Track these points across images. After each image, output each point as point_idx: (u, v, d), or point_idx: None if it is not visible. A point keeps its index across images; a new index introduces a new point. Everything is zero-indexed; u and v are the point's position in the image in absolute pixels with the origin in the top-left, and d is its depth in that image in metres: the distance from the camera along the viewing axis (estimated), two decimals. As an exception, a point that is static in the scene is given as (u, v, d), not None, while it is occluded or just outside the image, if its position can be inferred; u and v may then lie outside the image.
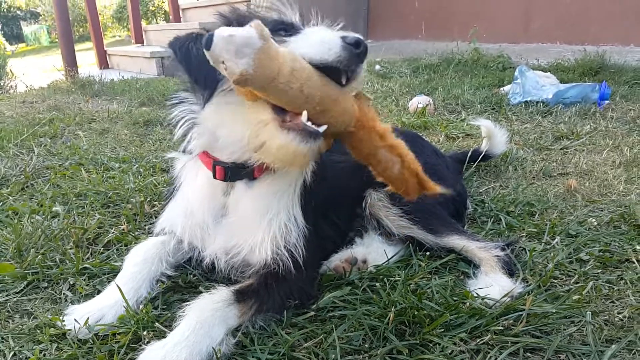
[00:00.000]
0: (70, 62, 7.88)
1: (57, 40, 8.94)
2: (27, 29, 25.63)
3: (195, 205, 1.80)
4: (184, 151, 1.82)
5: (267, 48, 1.27)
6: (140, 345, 1.54)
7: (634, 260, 1.96)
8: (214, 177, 1.70)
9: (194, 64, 1.54)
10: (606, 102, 4.41)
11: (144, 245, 1.91)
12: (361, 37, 1.38)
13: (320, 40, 1.38)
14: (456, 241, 2.03)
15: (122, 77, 7.09)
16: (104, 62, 10.28)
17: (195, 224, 1.80)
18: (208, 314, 1.50)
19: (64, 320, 1.61)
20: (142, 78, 7.10)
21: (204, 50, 1.27)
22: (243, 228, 1.72)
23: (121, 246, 2.17)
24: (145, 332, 1.58)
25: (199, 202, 1.79)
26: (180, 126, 1.74)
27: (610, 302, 1.72)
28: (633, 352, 1.48)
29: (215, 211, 1.77)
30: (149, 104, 5.36)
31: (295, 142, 1.33)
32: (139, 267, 1.81)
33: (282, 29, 1.55)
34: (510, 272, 1.87)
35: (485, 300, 1.68)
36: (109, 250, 2.16)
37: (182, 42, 1.59)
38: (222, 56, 1.25)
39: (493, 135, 3.00)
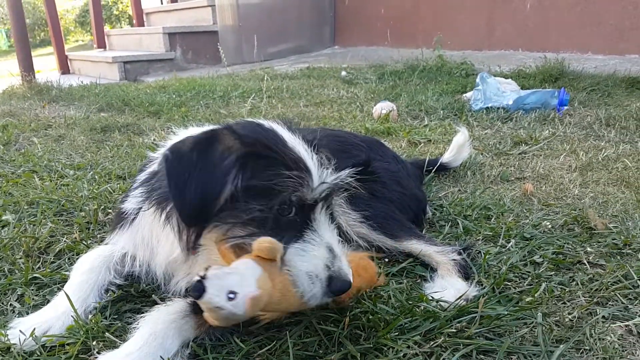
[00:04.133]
0: (27, 67, 7.63)
1: (16, 44, 8.65)
2: (-16, 32, 24.81)
3: (158, 250, 1.71)
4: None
5: (251, 311, 1.34)
6: (90, 356, 1.50)
7: (585, 262, 2.01)
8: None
9: (186, 205, 1.38)
10: (565, 107, 4.53)
11: (91, 254, 1.86)
12: (349, 279, 1.46)
13: (309, 276, 1.43)
14: (415, 245, 2.05)
15: (82, 82, 6.92)
16: (65, 67, 10.05)
17: (155, 261, 1.74)
18: (162, 326, 1.46)
19: (7, 335, 1.55)
20: (102, 83, 6.95)
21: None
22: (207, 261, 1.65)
23: (73, 255, 2.10)
24: (95, 342, 1.54)
25: (163, 253, 1.68)
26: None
27: (561, 303, 1.75)
28: (581, 351, 1.52)
29: (179, 259, 1.67)
30: (107, 110, 5.24)
31: None
32: (86, 276, 1.76)
33: (294, 225, 1.47)
34: (466, 276, 1.89)
35: (440, 302, 1.69)
36: (60, 259, 2.09)
37: (180, 168, 1.38)
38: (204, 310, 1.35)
39: (463, 147, 3.04)
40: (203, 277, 1.30)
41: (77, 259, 2.06)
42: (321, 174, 1.49)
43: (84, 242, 2.19)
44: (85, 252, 2.06)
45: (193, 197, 1.35)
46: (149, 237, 1.73)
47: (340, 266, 1.44)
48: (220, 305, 1.28)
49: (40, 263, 2.06)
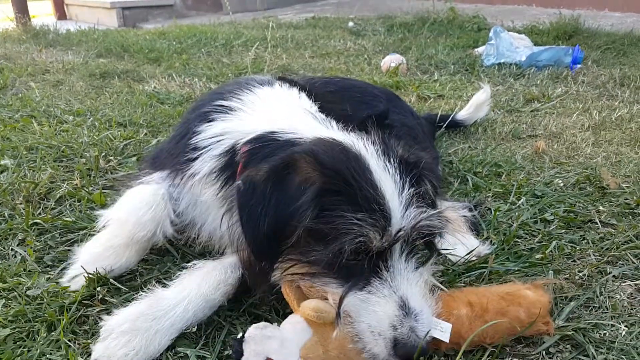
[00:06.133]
0: (21, 8, 7.37)
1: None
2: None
3: (207, 220, 1.65)
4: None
5: None
6: (94, 302, 1.48)
7: (597, 220, 1.98)
8: None
9: (258, 240, 1.27)
10: (578, 66, 4.41)
11: (146, 191, 1.69)
12: (419, 345, 1.19)
13: (371, 331, 1.22)
14: (425, 199, 2.00)
15: (79, 27, 6.71)
16: (61, 12, 9.78)
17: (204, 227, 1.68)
18: (207, 289, 1.44)
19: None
20: (100, 29, 6.74)
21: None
22: None
23: (74, 202, 2.06)
24: (99, 288, 1.51)
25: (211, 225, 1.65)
26: None
27: (571, 261, 1.73)
28: (590, 308, 1.50)
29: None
30: (106, 56, 5.12)
31: None
32: (151, 214, 1.63)
33: (361, 271, 1.25)
34: (476, 233, 1.86)
35: (449, 257, 1.67)
36: (61, 205, 2.05)
37: (253, 201, 1.26)
38: None
39: (482, 106, 2.96)
40: (242, 339, 1.22)
41: (78, 205, 2.03)
42: (405, 216, 1.25)
43: (85, 189, 2.14)
44: (87, 199, 2.04)
45: (265, 233, 1.24)
46: (204, 205, 1.62)
47: (413, 327, 1.19)
48: None
49: (40, 209, 2.02)
